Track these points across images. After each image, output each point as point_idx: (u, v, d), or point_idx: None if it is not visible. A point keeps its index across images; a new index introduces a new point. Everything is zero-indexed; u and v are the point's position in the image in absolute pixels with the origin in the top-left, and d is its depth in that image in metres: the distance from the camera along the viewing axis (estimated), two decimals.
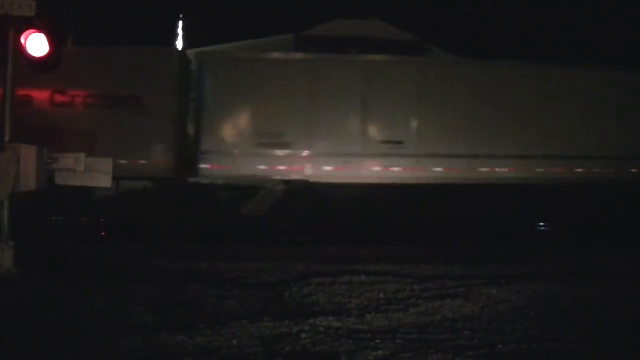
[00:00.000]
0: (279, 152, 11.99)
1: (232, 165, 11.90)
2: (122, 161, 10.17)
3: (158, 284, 6.51)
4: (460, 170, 12.21)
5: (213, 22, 19.22)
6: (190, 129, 12.40)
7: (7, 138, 6.96)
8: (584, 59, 15.24)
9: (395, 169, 12.13)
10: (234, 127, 12.08)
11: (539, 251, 9.21)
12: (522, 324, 5.31)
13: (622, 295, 6.36)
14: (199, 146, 11.89)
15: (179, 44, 15.57)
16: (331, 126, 12.10)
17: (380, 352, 4.53)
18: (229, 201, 12.25)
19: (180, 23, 16.05)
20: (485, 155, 12.24)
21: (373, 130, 12.24)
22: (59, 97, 11.65)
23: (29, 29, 6.99)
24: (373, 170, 12.11)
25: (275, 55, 12.72)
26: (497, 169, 12.29)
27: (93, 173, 7.56)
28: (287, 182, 12.02)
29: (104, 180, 7.67)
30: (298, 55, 13.14)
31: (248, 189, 12.13)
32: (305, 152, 12.05)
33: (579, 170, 12.49)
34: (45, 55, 7.14)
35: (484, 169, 12.25)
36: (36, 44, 7.06)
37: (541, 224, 12.66)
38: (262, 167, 11.93)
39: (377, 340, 4.77)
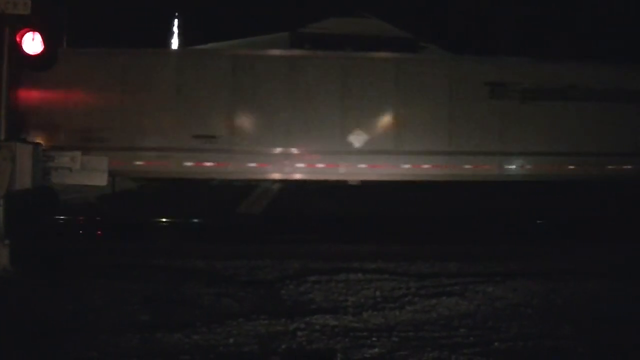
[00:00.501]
0: None
1: None
2: None
3: (154, 282, 6.51)
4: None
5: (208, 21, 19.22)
6: None
7: (2, 136, 6.95)
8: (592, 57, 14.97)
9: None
10: None
11: (534, 249, 9.21)
12: (518, 322, 5.33)
13: (617, 293, 6.38)
14: None
15: None
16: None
17: (376, 350, 4.55)
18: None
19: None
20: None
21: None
22: None
23: (24, 28, 7.01)
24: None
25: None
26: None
27: (89, 171, 7.56)
28: None
29: (100, 179, 7.67)
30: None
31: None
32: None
33: (571, 167, 12.16)
34: (39, 54, 7.14)
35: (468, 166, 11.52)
36: (31, 42, 7.07)
37: (538, 221, 12.57)
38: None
39: (374, 338, 4.79)
